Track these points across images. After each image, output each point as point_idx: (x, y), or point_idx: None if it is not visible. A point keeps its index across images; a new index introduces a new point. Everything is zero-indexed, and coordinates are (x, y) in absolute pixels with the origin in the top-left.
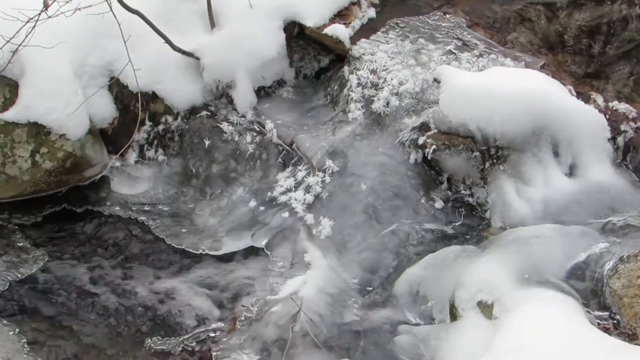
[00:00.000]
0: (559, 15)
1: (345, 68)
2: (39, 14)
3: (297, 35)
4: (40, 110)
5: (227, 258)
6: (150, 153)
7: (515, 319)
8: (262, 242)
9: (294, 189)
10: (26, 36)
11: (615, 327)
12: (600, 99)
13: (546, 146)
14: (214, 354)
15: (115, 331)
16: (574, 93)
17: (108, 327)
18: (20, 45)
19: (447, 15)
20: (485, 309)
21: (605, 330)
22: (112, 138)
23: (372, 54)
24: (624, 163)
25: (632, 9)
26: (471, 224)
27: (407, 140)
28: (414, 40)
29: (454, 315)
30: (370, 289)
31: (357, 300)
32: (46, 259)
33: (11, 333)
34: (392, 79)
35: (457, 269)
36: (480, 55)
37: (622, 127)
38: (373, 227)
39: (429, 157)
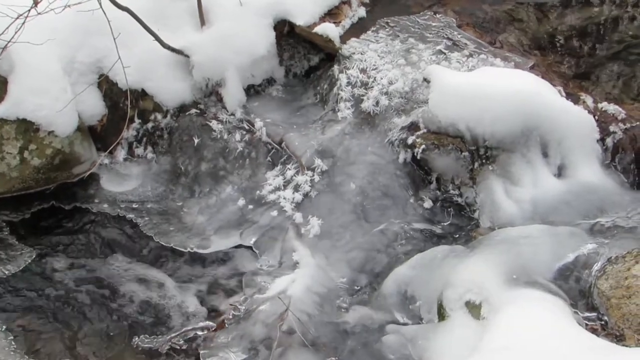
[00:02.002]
0: (549, 16)
1: (335, 67)
2: (29, 10)
3: (287, 33)
4: (29, 106)
5: (216, 256)
6: (139, 151)
7: (503, 319)
8: (250, 241)
9: (282, 188)
10: (15, 32)
11: (603, 328)
12: (589, 100)
13: (535, 147)
14: (201, 352)
15: (103, 329)
16: (564, 94)
17: (95, 325)
18: (9, 41)
19: (438, 15)
20: (473, 309)
21: (593, 331)
22: (101, 135)
23: (362, 53)
24: (613, 164)
25: (622, 10)
26: (460, 224)
27: (396, 139)
28: (404, 39)
29: (442, 315)
30: (359, 288)
31: (345, 300)
32: (34, 256)
33: None
34: (381, 78)
35: (445, 269)
36: (470, 55)
37: (611, 128)
38: (362, 226)
39: (418, 157)
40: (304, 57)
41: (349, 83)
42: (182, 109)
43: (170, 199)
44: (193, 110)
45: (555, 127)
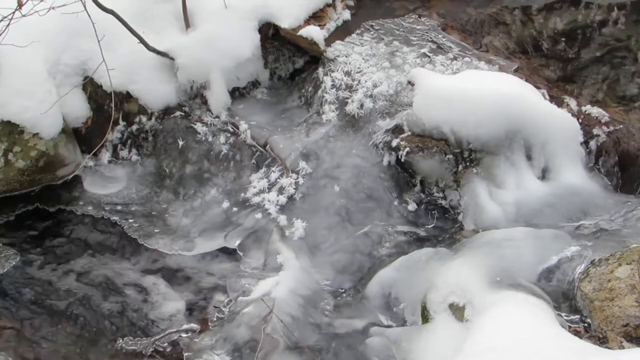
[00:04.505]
0: (534, 20)
1: (320, 70)
2: (13, 12)
3: (272, 36)
4: (14, 108)
5: (200, 259)
6: (123, 153)
7: (486, 321)
8: (235, 243)
9: (267, 190)
10: (0, 35)
11: (586, 330)
12: (573, 103)
13: (519, 149)
14: (185, 354)
15: (87, 331)
16: (548, 97)
17: (79, 327)
18: None
19: (422, 18)
20: (457, 311)
21: (576, 333)
22: (85, 137)
23: (346, 56)
24: (596, 167)
25: (606, 14)
26: (444, 227)
27: (380, 142)
28: (388, 42)
29: (425, 317)
30: (343, 290)
31: (330, 302)
32: (18, 259)
33: None
34: (366, 81)
35: (429, 271)
36: (455, 58)
37: (595, 131)
38: (346, 228)
39: (402, 160)
40: (289, 59)
41: (333, 86)
42: (166, 111)
43: (154, 201)
44: (178, 113)
45: (539, 130)
